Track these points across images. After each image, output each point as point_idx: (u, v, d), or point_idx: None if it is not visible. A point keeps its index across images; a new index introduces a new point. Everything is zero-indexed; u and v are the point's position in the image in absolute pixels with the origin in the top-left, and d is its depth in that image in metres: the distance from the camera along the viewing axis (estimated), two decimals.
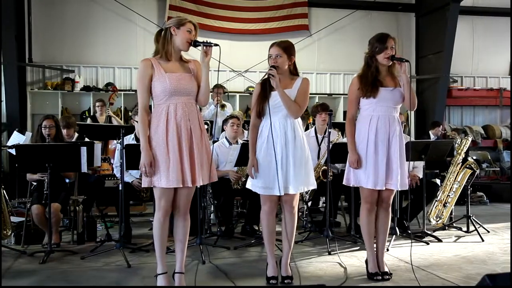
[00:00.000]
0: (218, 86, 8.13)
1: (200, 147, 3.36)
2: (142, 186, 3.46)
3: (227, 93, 9.06)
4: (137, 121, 5.30)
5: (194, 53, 3.77)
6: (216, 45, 3.41)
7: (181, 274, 3.45)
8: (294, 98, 3.59)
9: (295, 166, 3.57)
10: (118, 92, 9.00)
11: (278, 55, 3.60)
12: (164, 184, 3.26)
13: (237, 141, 5.69)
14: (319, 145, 5.71)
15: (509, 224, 6.15)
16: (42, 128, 5.03)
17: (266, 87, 3.60)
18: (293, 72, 3.71)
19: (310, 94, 4.87)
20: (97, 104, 8.08)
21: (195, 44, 3.39)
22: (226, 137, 5.79)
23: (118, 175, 5.25)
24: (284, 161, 3.56)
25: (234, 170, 5.44)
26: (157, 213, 3.38)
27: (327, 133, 5.19)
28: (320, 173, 5.42)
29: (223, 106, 8.10)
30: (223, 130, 6.14)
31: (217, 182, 4.12)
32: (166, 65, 3.35)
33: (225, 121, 5.94)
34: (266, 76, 3.58)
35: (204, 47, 3.37)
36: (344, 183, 3.94)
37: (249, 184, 3.72)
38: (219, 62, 3.35)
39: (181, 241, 3.46)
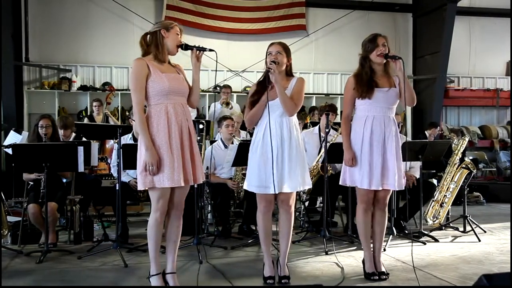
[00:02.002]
0: (226, 86, 8.33)
1: (196, 146, 3.41)
2: (139, 188, 3.33)
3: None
4: (135, 120, 5.30)
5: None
6: (211, 50, 3.41)
7: (173, 274, 3.44)
8: (290, 96, 3.60)
9: (290, 165, 3.57)
10: (115, 91, 8.98)
11: (279, 52, 3.62)
12: (167, 184, 3.21)
13: (232, 142, 5.67)
14: (321, 142, 5.72)
15: (505, 224, 6.17)
16: (39, 128, 5.03)
17: (264, 84, 3.60)
18: (289, 73, 3.74)
19: (308, 94, 4.89)
20: (94, 103, 8.08)
21: (187, 47, 3.37)
22: (221, 139, 5.77)
23: (115, 174, 5.25)
24: (280, 160, 3.56)
25: (231, 178, 5.44)
26: (155, 214, 3.31)
27: (325, 133, 5.20)
28: (319, 167, 5.43)
29: (227, 104, 8.14)
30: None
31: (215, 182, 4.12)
32: (160, 67, 3.33)
33: (219, 122, 5.89)
34: (265, 72, 3.59)
35: (197, 52, 3.37)
36: (340, 183, 3.95)
37: (245, 185, 3.73)
38: (217, 62, 3.34)
39: (175, 242, 3.45)
